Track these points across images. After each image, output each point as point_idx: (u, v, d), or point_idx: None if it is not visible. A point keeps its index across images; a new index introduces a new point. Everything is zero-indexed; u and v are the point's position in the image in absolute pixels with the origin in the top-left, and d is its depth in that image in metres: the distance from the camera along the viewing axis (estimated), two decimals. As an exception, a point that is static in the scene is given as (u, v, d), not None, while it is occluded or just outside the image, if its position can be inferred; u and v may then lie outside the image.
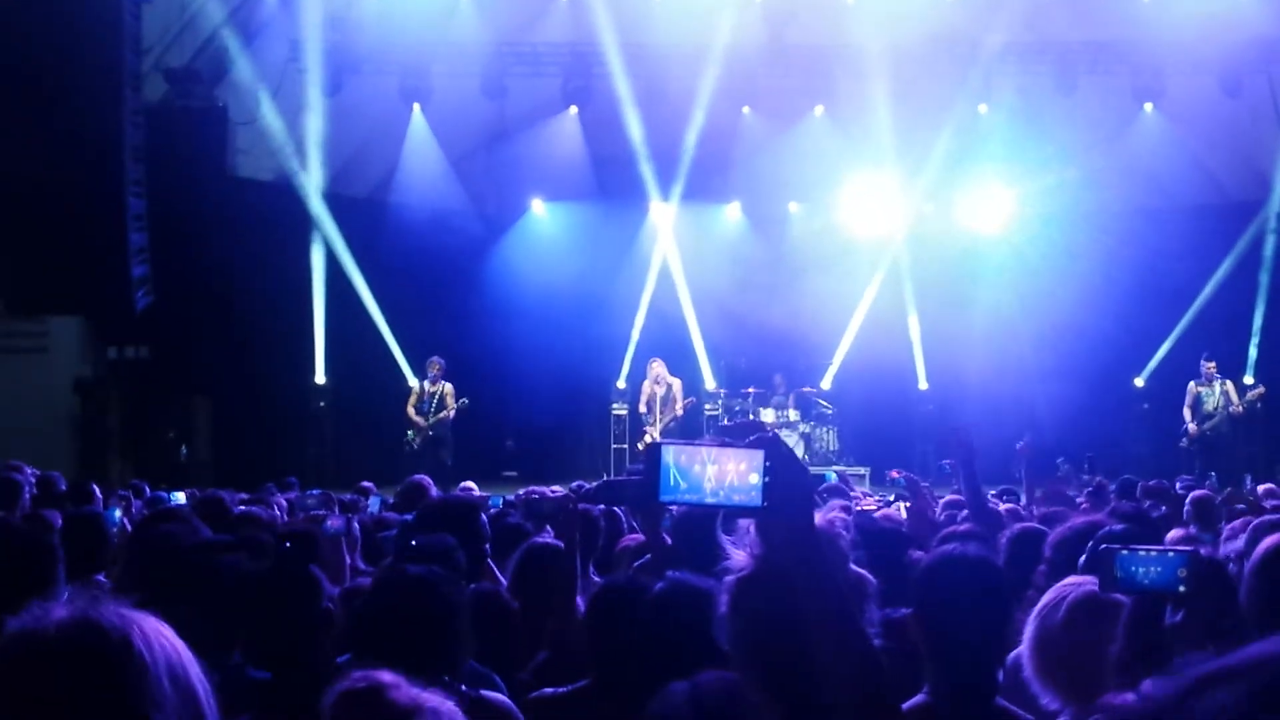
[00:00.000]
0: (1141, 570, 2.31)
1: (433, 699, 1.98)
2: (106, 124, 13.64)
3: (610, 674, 3.30)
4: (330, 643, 3.42)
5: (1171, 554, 2.33)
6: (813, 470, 13.38)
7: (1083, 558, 3.66)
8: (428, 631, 3.09)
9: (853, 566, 2.95)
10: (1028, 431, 8.78)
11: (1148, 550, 2.35)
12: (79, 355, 15.03)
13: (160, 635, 1.45)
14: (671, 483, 1.84)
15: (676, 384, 15.73)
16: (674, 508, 4.35)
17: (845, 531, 3.52)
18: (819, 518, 3.11)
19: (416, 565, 3.36)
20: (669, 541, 4.49)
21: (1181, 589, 2.29)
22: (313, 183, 16.34)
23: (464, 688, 3.07)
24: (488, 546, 4.78)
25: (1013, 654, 2.94)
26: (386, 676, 1.99)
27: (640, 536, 5.24)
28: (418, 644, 3.04)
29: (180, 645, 1.48)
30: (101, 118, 13.59)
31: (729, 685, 2.11)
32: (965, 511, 6.57)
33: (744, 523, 1.98)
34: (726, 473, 1.81)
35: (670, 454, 1.84)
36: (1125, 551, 2.34)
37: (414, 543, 4.10)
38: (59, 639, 1.38)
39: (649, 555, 4.65)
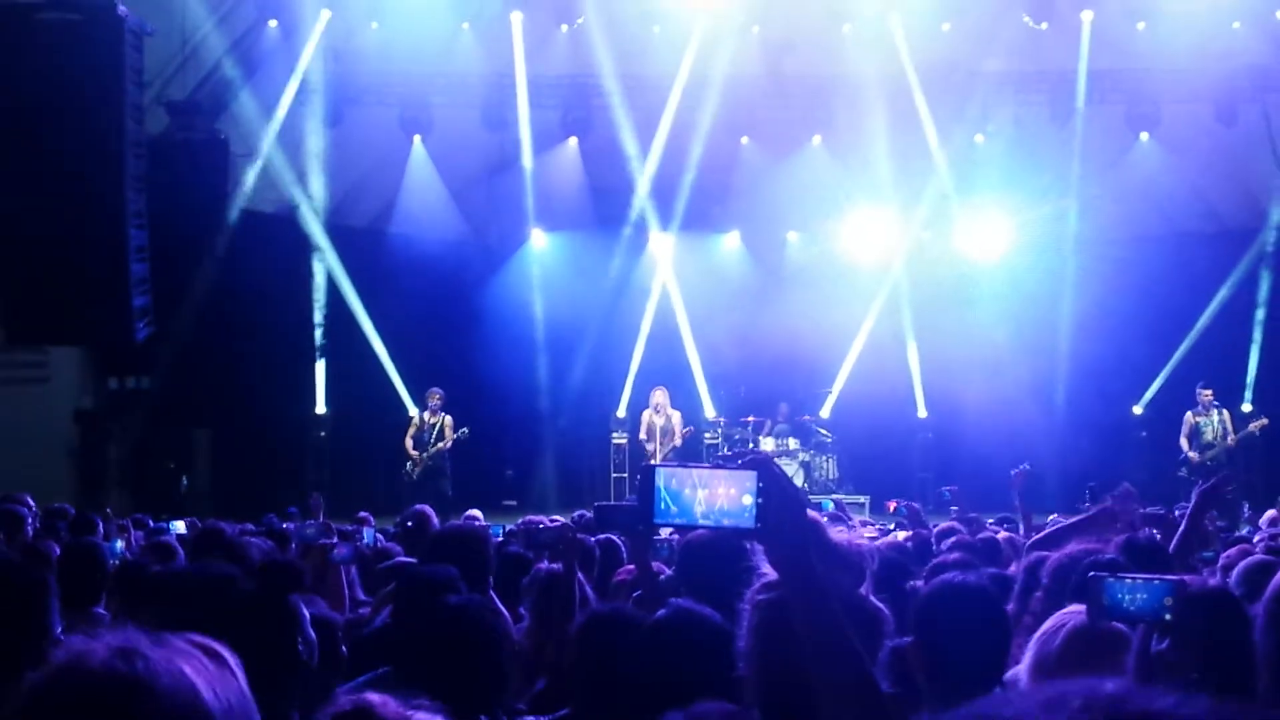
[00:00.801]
0: (1128, 598, 2.34)
1: (422, 715, 1.94)
2: (108, 156, 13.66)
3: (593, 705, 3.26)
4: (298, 682, 3.12)
5: (1158, 583, 2.35)
6: (812, 499, 13.37)
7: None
8: (478, 664, 3.07)
9: (872, 599, 2.88)
10: (1025, 459, 8.68)
11: (1134, 579, 2.38)
12: (80, 386, 15.04)
13: (193, 686, 1.31)
14: (662, 506, 1.88)
15: (676, 416, 15.73)
16: (675, 536, 4.38)
17: (871, 559, 3.36)
18: (847, 535, 3.09)
19: (459, 597, 3.35)
20: (668, 572, 4.48)
21: (1167, 617, 2.31)
22: (314, 213, 16.41)
23: None
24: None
25: (1010, 673, 2.95)
26: (374, 696, 1.94)
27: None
28: (467, 677, 3.03)
29: (228, 693, 1.34)
30: (103, 150, 13.61)
31: (725, 717, 2.11)
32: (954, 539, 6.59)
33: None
34: (717, 496, 1.84)
35: (661, 478, 1.88)
36: (1113, 580, 2.37)
37: (418, 574, 4.11)
38: (92, 684, 1.26)
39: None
